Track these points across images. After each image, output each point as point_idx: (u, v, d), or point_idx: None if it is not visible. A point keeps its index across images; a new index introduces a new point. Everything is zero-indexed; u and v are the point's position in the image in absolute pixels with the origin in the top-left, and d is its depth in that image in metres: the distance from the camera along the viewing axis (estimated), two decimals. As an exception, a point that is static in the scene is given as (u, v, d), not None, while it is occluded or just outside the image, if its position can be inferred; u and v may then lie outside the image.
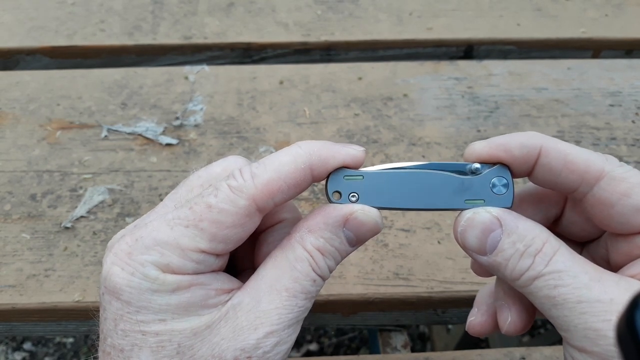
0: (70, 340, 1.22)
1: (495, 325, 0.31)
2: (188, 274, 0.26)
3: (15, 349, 1.19)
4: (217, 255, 0.27)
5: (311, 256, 0.27)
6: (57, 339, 1.21)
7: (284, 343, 0.26)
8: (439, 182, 0.29)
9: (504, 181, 0.29)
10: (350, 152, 0.28)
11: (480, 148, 0.28)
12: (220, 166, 0.29)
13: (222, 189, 0.26)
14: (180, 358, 0.25)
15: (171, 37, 0.63)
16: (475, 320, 0.32)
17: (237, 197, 0.26)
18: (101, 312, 0.26)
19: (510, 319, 0.30)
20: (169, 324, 0.25)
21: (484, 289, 0.33)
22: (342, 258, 0.28)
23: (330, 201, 0.28)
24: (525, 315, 0.30)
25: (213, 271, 0.27)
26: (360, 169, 0.29)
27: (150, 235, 0.26)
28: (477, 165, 0.29)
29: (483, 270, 0.32)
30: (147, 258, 0.25)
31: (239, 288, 0.27)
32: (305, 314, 0.27)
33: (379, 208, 0.29)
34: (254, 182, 0.26)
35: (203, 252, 0.26)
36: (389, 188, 0.29)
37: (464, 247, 0.28)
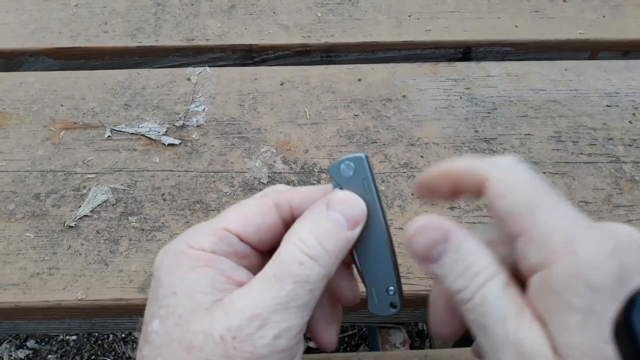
0: (74, 337, 1.22)
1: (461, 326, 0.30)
2: (205, 250, 0.28)
3: (18, 347, 1.20)
4: (240, 238, 0.29)
5: (298, 238, 0.28)
6: (61, 337, 1.22)
7: (271, 328, 0.26)
8: None
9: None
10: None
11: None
12: None
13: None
14: (179, 329, 0.26)
15: (173, 38, 0.64)
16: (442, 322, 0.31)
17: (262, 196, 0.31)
18: None
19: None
20: (178, 298, 0.27)
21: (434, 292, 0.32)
22: (342, 241, 0.28)
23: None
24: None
25: (235, 258, 0.29)
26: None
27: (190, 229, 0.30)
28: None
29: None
30: (181, 238, 0.29)
31: None
32: (301, 302, 0.26)
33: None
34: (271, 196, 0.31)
35: (226, 229, 0.29)
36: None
37: (412, 254, 0.27)
